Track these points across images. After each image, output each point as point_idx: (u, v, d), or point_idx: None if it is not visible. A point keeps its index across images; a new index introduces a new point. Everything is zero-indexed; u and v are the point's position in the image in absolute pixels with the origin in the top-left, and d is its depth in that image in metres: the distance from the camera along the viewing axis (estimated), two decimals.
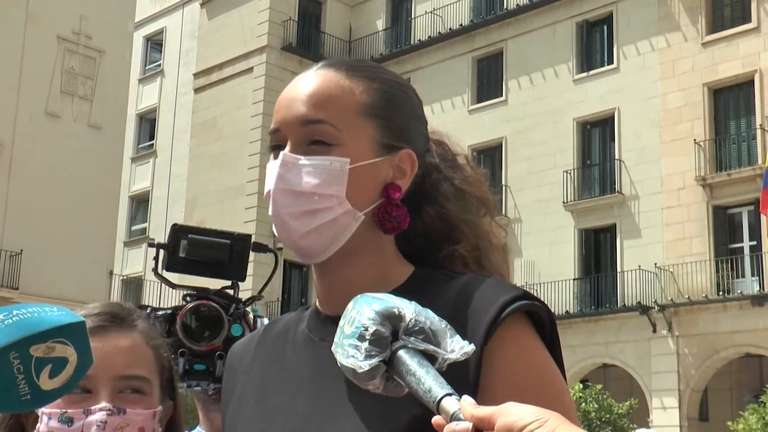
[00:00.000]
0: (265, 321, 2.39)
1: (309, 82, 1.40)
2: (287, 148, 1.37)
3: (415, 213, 1.43)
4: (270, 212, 1.39)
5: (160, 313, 2.51)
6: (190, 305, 2.51)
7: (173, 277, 2.65)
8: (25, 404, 1.19)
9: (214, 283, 2.61)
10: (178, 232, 2.59)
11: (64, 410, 1.53)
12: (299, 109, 1.37)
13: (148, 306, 2.55)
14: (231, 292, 2.61)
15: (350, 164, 1.35)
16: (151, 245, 2.66)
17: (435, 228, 1.44)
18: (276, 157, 1.39)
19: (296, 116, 1.37)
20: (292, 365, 1.41)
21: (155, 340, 1.67)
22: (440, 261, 1.42)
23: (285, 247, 1.44)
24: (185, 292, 2.59)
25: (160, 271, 2.63)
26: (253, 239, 2.68)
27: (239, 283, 2.62)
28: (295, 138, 1.37)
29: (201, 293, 2.56)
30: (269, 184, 1.38)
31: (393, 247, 1.42)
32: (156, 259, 2.64)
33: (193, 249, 2.54)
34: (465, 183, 1.48)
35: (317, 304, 1.47)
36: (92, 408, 1.53)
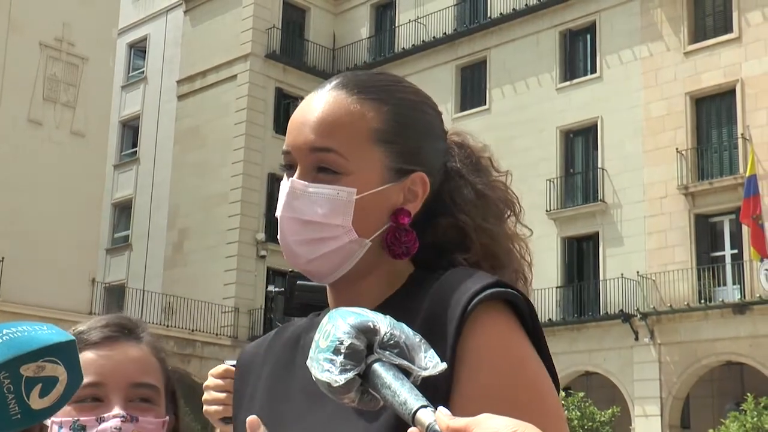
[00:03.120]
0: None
1: (319, 104, 1.38)
2: (296, 174, 1.37)
3: (429, 224, 1.42)
4: (278, 237, 1.40)
5: None
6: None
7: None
8: (15, 423, 1.19)
9: None
10: (293, 278, 2.74)
11: (76, 418, 1.53)
12: (308, 135, 1.36)
13: None
14: None
15: (358, 194, 1.35)
16: (270, 293, 2.81)
17: (448, 237, 1.43)
18: (288, 176, 1.39)
19: (305, 142, 1.36)
20: (300, 372, 1.40)
21: (161, 353, 1.68)
22: (447, 266, 1.41)
23: (278, 260, 1.45)
24: None
25: (279, 316, 2.75)
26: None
27: None
28: (304, 164, 1.37)
29: None
30: (278, 210, 1.39)
31: (405, 261, 1.41)
32: (274, 305, 2.77)
33: (301, 294, 2.67)
34: (487, 187, 1.47)
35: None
36: (106, 415, 1.53)
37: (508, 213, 1.48)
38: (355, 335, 1.06)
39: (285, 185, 1.38)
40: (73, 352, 1.22)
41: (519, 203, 1.51)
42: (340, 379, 1.05)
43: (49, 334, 1.20)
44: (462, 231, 1.42)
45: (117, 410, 1.53)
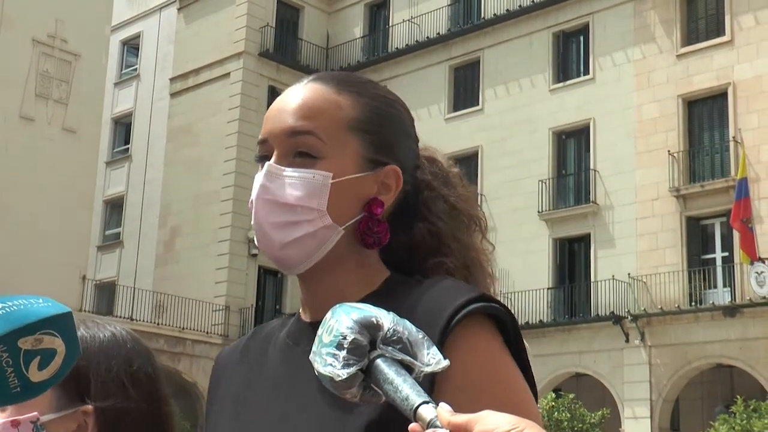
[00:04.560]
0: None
1: (298, 94, 1.41)
2: (273, 159, 1.39)
3: (404, 228, 1.44)
4: (252, 222, 1.40)
5: None
6: None
7: None
8: (15, 397, 1.20)
9: None
10: None
11: None
12: (287, 120, 1.39)
13: None
14: None
15: (333, 179, 1.36)
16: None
17: (425, 243, 1.45)
18: (263, 167, 1.40)
19: (283, 127, 1.39)
20: (269, 370, 1.43)
21: None
22: (425, 272, 1.43)
23: (265, 256, 1.45)
24: None
25: None
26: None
27: None
28: (282, 149, 1.39)
29: None
30: (253, 194, 1.39)
31: (375, 256, 1.43)
32: None
33: None
34: (459, 200, 1.49)
35: (300, 310, 1.48)
36: None
37: (475, 227, 1.50)
38: (359, 330, 1.07)
39: (260, 172, 1.39)
40: (70, 324, 1.22)
41: (485, 219, 1.53)
42: (342, 374, 1.06)
43: (45, 306, 1.20)
44: (439, 238, 1.45)
45: None
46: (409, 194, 1.45)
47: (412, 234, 1.44)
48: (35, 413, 1.57)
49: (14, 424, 1.55)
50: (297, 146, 1.38)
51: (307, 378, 1.29)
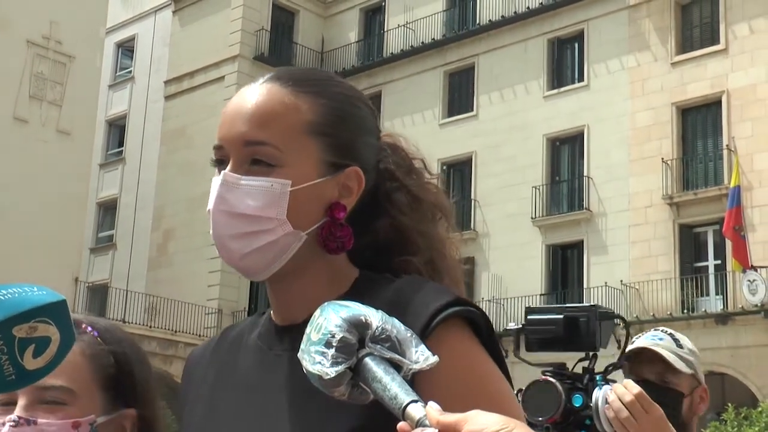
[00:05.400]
0: (606, 387, 2.55)
1: (253, 96, 1.37)
2: (229, 167, 1.35)
3: (366, 226, 1.41)
4: (210, 232, 1.36)
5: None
6: (531, 383, 2.66)
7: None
8: (10, 384, 1.20)
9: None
10: (530, 313, 2.75)
11: None
12: (241, 128, 1.34)
13: None
14: (587, 363, 2.71)
15: (292, 186, 1.33)
16: (507, 330, 2.79)
17: (388, 240, 1.42)
18: (219, 172, 1.36)
19: (238, 135, 1.34)
20: (242, 372, 1.41)
21: (96, 348, 1.65)
22: (393, 269, 1.40)
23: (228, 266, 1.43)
24: (543, 369, 2.71)
25: (520, 354, 2.73)
26: (597, 311, 2.79)
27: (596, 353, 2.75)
28: (237, 156, 1.34)
29: (556, 368, 2.69)
30: (210, 203, 1.35)
31: (343, 257, 1.40)
32: (516, 341, 2.75)
33: (534, 328, 2.69)
34: (421, 190, 1.45)
35: (271, 312, 1.45)
36: (7, 418, 1.53)
37: (440, 216, 1.47)
38: (347, 329, 1.07)
39: (216, 180, 1.35)
40: (65, 312, 1.22)
41: (450, 206, 1.49)
42: (331, 372, 1.05)
43: (40, 295, 1.20)
44: (401, 233, 1.42)
45: (11, 415, 1.53)
46: (371, 187, 1.41)
47: (375, 231, 1.42)
48: (93, 416, 1.58)
49: (75, 426, 1.56)
50: (252, 154, 1.33)
51: (281, 382, 1.29)
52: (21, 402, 1.55)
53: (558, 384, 2.62)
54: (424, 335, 1.24)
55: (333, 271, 1.39)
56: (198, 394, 1.46)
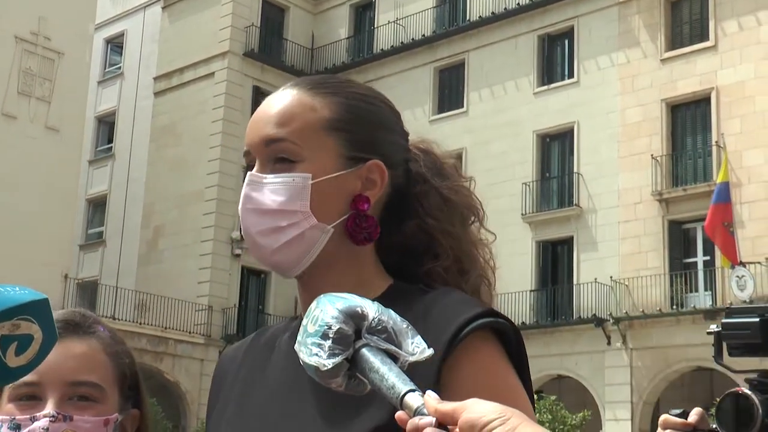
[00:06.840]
0: None
1: (274, 102, 1.44)
2: (255, 168, 1.42)
3: (397, 227, 1.45)
4: (242, 232, 1.43)
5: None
6: (728, 392, 2.38)
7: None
8: None
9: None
10: (729, 315, 2.45)
11: (13, 417, 1.53)
12: (263, 130, 1.41)
13: None
14: None
15: (313, 179, 1.38)
16: (710, 333, 2.52)
17: (417, 241, 1.45)
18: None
19: (261, 137, 1.41)
20: (272, 372, 1.43)
21: (114, 348, 1.66)
22: (421, 277, 1.44)
23: (255, 259, 1.46)
24: (746, 377, 2.43)
25: (723, 361, 2.45)
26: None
27: None
28: (262, 158, 1.41)
29: (760, 376, 2.39)
30: (240, 204, 1.42)
31: (372, 257, 1.44)
32: (716, 345, 2.44)
33: (731, 332, 2.40)
34: (452, 192, 1.50)
35: (302, 313, 1.49)
36: (38, 414, 1.53)
37: (472, 218, 1.51)
38: (344, 320, 1.07)
39: (245, 183, 1.42)
40: (47, 311, 1.23)
41: (482, 209, 1.54)
42: (328, 363, 1.06)
43: (21, 293, 1.20)
44: (429, 234, 1.45)
45: (48, 410, 1.53)
46: (402, 188, 1.46)
47: (404, 232, 1.45)
48: (116, 414, 1.61)
49: (105, 423, 1.58)
50: (275, 153, 1.40)
51: (309, 381, 1.30)
52: (52, 397, 1.55)
53: (754, 396, 2.31)
54: (452, 346, 1.27)
55: (363, 271, 1.42)
56: (229, 393, 1.49)
